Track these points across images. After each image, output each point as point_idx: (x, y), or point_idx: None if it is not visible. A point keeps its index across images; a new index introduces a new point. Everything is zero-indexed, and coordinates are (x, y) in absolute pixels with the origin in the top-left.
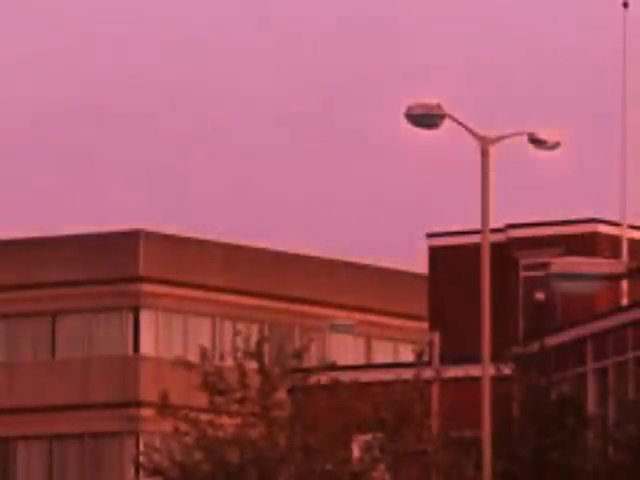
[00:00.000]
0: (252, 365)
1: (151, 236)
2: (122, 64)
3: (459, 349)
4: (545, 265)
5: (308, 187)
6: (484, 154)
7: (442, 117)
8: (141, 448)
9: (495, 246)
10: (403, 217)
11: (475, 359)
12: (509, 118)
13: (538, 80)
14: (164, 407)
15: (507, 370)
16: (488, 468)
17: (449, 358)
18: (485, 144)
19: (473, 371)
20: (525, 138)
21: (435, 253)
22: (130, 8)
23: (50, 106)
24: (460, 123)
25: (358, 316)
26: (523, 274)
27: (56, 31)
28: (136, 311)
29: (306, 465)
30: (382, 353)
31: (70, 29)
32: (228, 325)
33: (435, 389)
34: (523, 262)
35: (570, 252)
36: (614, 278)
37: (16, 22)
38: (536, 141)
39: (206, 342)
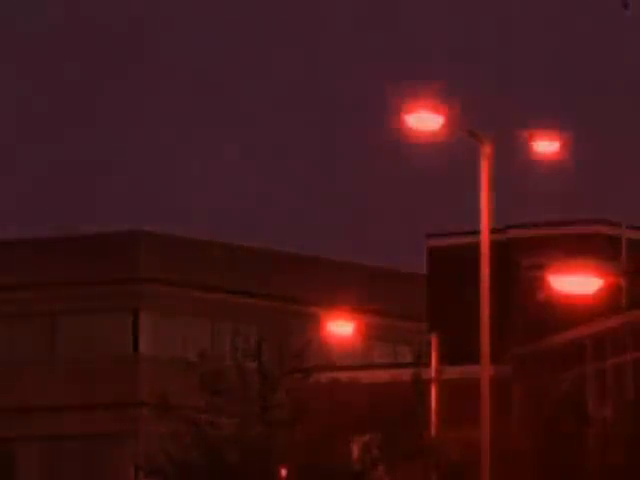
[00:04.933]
0: (252, 365)
1: (151, 236)
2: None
3: (459, 349)
4: (545, 266)
5: (307, 187)
6: (484, 154)
7: (442, 117)
8: (141, 448)
9: (495, 246)
10: (403, 217)
11: (475, 359)
12: (509, 118)
13: (538, 80)
14: (164, 407)
15: (507, 370)
16: (487, 468)
17: (448, 358)
18: (485, 144)
19: (473, 371)
20: (525, 138)
21: (434, 253)
22: None
23: (50, 107)
24: (460, 123)
25: (357, 316)
26: (523, 274)
27: None
28: (136, 311)
29: (306, 465)
30: (381, 353)
31: None
32: (228, 325)
33: (434, 389)
34: (523, 263)
35: (570, 253)
36: (614, 278)
37: None
38: (536, 141)
39: (205, 342)
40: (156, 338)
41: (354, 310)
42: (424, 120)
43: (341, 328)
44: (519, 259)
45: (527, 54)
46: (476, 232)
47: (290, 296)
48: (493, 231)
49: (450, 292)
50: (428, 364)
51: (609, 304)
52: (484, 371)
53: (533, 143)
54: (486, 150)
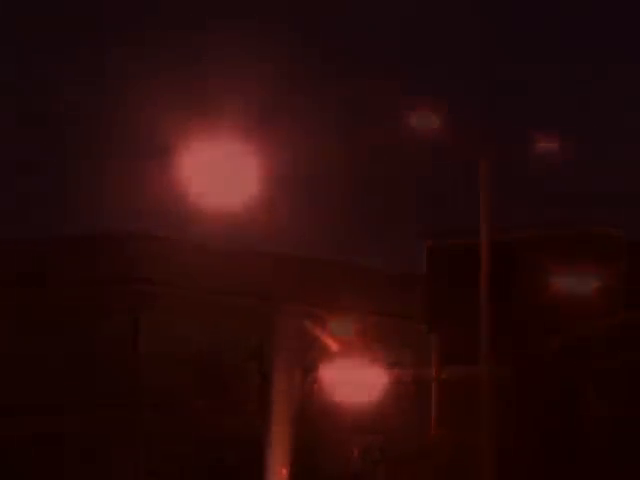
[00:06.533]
0: (252, 365)
1: (152, 237)
2: None
3: (458, 349)
4: (544, 265)
5: (307, 187)
6: (484, 155)
7: (442, 117)
8: (141, 448)
9: (494, 246)
10: (402, 217)
11: (475, 359)
12: (508, 119)
13: (538, 81)
14: (164, 407)
15: (507, 370)
16: (488, 468)
17: (448, 358)
18: (485, 145)
19: (473, 371)
20: (525, 139)
21: (434, 253)
22: None
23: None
24: (459, 124)
25: (357, 317)
26: (523, 274)
27: None
28: (136, 312)
29: (306, 465)
30: (381, 354)
31: None
32: (228, 325)
33: (434, 389)
34: (523, 263)
35: (569, 253)
36: (613, 278)
37: None
38: (536, 142)
39: (205, 342)
40: (156, 338)
41: (354, 310)
42: (424, 120)
43: (341, 328)
44: (519, 259)
45: (527, 54)
46: (475, 232)
47: (290, 296)
48: (493, 231)
49: (450, 292)
50: (428, 364)
51: (609, 304)
52: (484, 371)
53: (533, 143)
54: (486, 150)
